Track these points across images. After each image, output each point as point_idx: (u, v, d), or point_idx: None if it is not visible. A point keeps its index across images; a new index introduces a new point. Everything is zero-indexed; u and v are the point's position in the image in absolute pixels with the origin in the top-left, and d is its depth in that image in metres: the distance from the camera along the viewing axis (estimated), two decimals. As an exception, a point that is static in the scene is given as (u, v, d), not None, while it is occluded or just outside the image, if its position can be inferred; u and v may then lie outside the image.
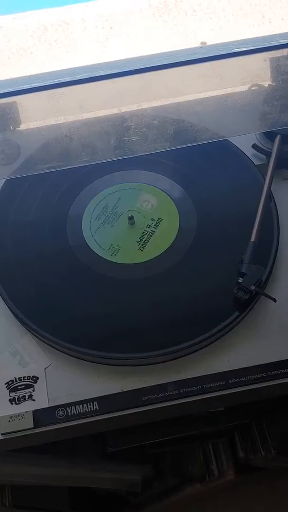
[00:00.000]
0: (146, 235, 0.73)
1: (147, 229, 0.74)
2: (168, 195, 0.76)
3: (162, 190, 0.77)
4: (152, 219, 0.75)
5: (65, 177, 0.76)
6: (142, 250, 0.72)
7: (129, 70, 0.53)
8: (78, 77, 0.52)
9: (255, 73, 0.60)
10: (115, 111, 0.59)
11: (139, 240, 0.73)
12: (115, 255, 0.72)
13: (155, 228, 0.74)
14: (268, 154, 0.77)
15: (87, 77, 0.53)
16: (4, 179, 0.77)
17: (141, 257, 0.72)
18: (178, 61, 0.53)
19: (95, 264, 0.72)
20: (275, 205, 0.74)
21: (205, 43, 1.26)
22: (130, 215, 0.74)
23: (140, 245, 0.73)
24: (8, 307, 0.70)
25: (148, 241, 0.73)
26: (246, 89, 0.64)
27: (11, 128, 0.71)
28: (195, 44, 1.28)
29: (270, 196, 0.73)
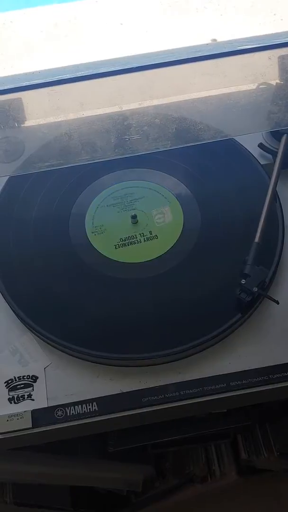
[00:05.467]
0: (130, 240, 0.73)
1: (138, 237, 0.73)
2: (184, 217, 0.75)
3: (183, 211, 0.75)
4: (150, 232, 0.74)
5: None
6: (115, 248, 0.72)
7: (130, 68, 0.52)
8: (79, 74, 0.52)
9: (260, 71, 0.59)
10: (116, 109, 0.59)
11: (122, 239, 0.73)
12: (95, 235, 0.73)
13: (144, 241, 0.73)
14: (274, 154, 0.76)
15: (88, 74, 0.52)
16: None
17: (113, 254, 0.72)
18: (180, 58, 0.53)
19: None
20: (281, 205, 0.73)
21: (216, 40, 1.25)
22: (134, 214, 0.74)
23: (117, 244, 0.73)
24: (9, 305, 0.69)
25: (127, 246, 0.73)
26: (253, 87, 0.63)
27: (16, 125, 0.70)
28: (205, 41, 1.26)
29: (275, 196, 0.72)
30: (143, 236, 0.73)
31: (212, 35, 1.38)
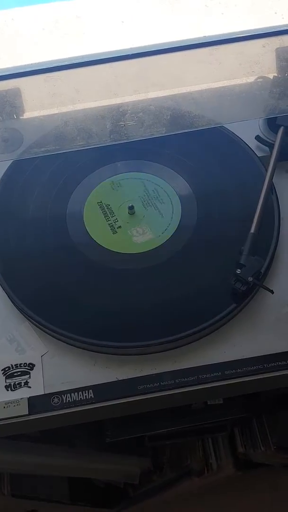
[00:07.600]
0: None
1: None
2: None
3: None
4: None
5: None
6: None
7: (126, 55, 0.53)
8: (75, 61, 0.52)
9: (254, 59, 0.59)
10: (111, 95, 0.59)
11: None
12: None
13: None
14: (271, 146, 0.77)
15: (84, 61, 0.53)
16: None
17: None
18: (176, 46, 0.53)
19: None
20: (277, 197, 0.74)
21: (216, 37, 1.25)
22: (131, 204, 0.74)
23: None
24: (7, 294, 0.70)
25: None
26: (250, 78, 0.63)
27: (14, 115, 0.71)
28: (206, 39, 1.27)
29: (271, 188, 0.73)
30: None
31: (213, 33, 1.38)
